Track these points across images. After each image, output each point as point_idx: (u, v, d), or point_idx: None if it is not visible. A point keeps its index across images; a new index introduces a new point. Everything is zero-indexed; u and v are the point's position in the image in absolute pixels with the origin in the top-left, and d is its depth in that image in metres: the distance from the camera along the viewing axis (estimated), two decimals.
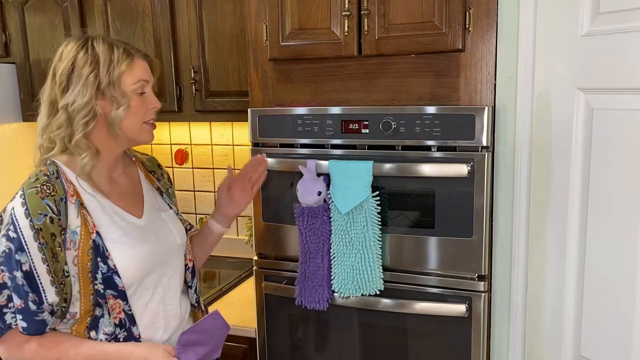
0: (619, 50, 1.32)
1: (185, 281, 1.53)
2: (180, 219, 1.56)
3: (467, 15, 1.54)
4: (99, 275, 1.30)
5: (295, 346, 1.86)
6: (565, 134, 1.47)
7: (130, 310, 1.34)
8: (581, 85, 1.42)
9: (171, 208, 1.53)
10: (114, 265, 1.31)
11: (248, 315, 2.00)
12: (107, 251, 1.30)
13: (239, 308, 2.13)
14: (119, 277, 1.31)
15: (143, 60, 1.38)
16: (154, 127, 1.43)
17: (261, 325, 1.89)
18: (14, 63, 2.59)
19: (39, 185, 1.28)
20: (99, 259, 1.30)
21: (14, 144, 2.65)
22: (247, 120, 1.78)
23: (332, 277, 1.68)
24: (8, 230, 1.26)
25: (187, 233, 1.59)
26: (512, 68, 1.54)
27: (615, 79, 1.35)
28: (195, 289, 1.55)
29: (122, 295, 1.32)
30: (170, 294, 1.44)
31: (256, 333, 1.91)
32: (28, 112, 2.60)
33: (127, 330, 1.35)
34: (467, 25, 1.55)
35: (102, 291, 1.31)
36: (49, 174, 1.32)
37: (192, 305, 1.55)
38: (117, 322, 1.34)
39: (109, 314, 1.33)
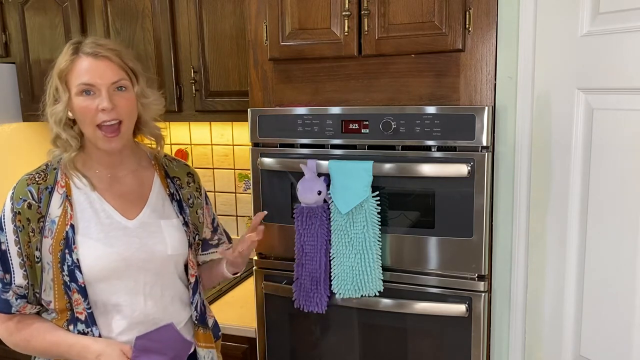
0: (619, 50, 1.32)
1: (188, 296, 1.50)
2: (185, 231, 1.48)
3: (467, 15, 1.54)
4: (65, 267, 1.33)
5: (295, 346, 1.86)
6: (565, 134, 1.47)
7: (90, 309, 1.34)
8: (581, 85, 1.42)
9: (178, 217, 1.48)
10: (77, 260, 1.32)
11: (248, 315, 2.00)
12: (74, 244, 1.33)
13: (239, 308, 2.13)
14: (80, 272, 1.32)
15: (95, 60, 1.31)
16: (113, 134, 1.33)
17: (261, 325, 1.89)
18: (14, 63, 2.59)
19: (33, 173, 1.38)
20: (66, 251, 1.33)
21: (14, 144, 2.65)
22: (247, 120, 1.78)
23: (331, 278, 1.68)
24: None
25: (207, 247, 1.59)
26: (512, 68, 1.54)
27: (615, 79, 1.34)
28: (196, 307, 1.50)
29: (82, 291, 1.33)
30: (152, 304, 1.40)
31: (256, 333, 1.91)
32: (28, 112, 2.60)
33: (91, 330, 1.35)
34: (467, 25, 1.55)
35: (68, 283, 1.33)
36: (48, 164, 1.40)
37: (193, 323, 1.51)
38: (82, 319, 1.35)
39: (75, 307, 1.35)
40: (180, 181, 1.54)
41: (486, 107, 1.51)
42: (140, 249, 1.38)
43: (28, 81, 2.57)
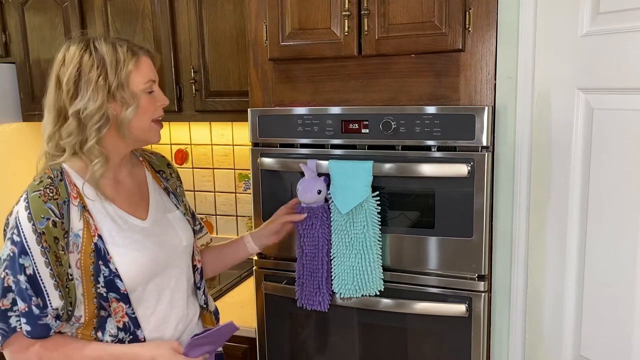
0: (619, 50, 1.32)
1: (195, 282, 1.53)
2: (188, 220, 1.54)
3: (467, 15, 1.54)
4: (101, 279, 1.30)
5: (296, 346, 1.86)
6: (565, 134, 1.47)
7: (134, 313, 1.34)
8: (581, 85, 1.42)
9: (178, 208, 1.51)
10: (116, 269, 1.30)
11: (248, 315, 2.00)
12: (108, 254, 1.30)
13: (239, 308, 2.13)
14: (120, 280, 1.31)
15: (147, 57, 1.39)
16: (161, 126, 1.42)
17: (261, 325, 1.89)
18: (14, 63, 2.59)
19: (42, 189, 1.28)
20: (100, 262, 1.29)
21: (14, 144, 2.65)
22: (247, 120, 1.78)
23: (332, 278, 1.68)
24: (13, 234, 1.26)
25: (195, 234, 1.59)
26: (512, 68, 1.54)
27: (615, 79, 1.34)
28: (204, 291, 1.54)
29: (124, 298, 1.32)
30: (178, 297, 1.43)
31: (256, 333, 1.91)
32: (28, 112, 2.60)
33: (132, 334, 1.34)
34: (467, 25, 1.55)
35: (104, 294, 1.30)
36: (52, 176, 1.31)
37: (200, 306, 1.54)
38: (120, 326, 1.33)
39: (113, 317, 1.33)
40: (165, 174, 1.57)
41: (486, 107, 1.51)
42: (163, 246, 1.40)
43: (28, 81, 2.57)
